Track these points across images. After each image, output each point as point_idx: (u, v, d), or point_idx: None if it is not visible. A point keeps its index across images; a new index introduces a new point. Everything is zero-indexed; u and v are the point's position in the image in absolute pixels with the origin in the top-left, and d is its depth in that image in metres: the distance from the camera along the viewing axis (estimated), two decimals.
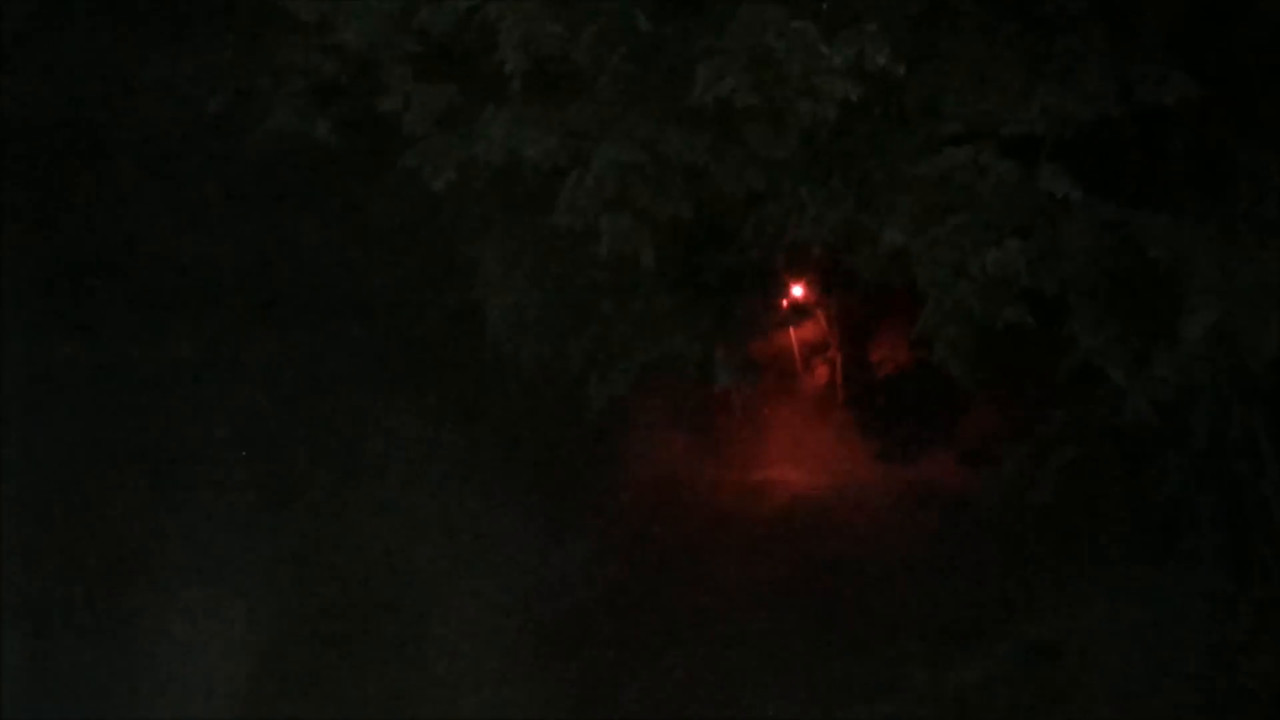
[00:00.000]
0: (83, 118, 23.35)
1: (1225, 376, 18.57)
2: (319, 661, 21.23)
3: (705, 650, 21.70)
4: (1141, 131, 18.58)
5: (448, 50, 17.55)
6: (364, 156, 19.25)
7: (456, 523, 22.38)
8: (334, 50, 18.03)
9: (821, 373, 24.40)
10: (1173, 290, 17.49)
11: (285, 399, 22.87)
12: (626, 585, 22.56)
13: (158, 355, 22.78)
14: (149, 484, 22.49)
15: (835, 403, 24.55)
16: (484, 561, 22.10)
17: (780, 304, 21.80)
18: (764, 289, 20.56)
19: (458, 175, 17.55)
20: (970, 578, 22.15)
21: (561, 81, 17.09)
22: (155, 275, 23.11)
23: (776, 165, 17.31)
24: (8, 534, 21.61)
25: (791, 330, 23.31)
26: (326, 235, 22.59)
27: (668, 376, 21.62)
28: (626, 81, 16.95)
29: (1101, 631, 20.15)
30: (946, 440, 23.50)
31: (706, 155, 17.07)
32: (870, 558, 22.82)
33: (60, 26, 23.13)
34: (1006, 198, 17.39)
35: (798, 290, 22.60)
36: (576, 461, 23.45)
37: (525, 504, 22.69)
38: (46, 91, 23.18)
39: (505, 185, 18.36)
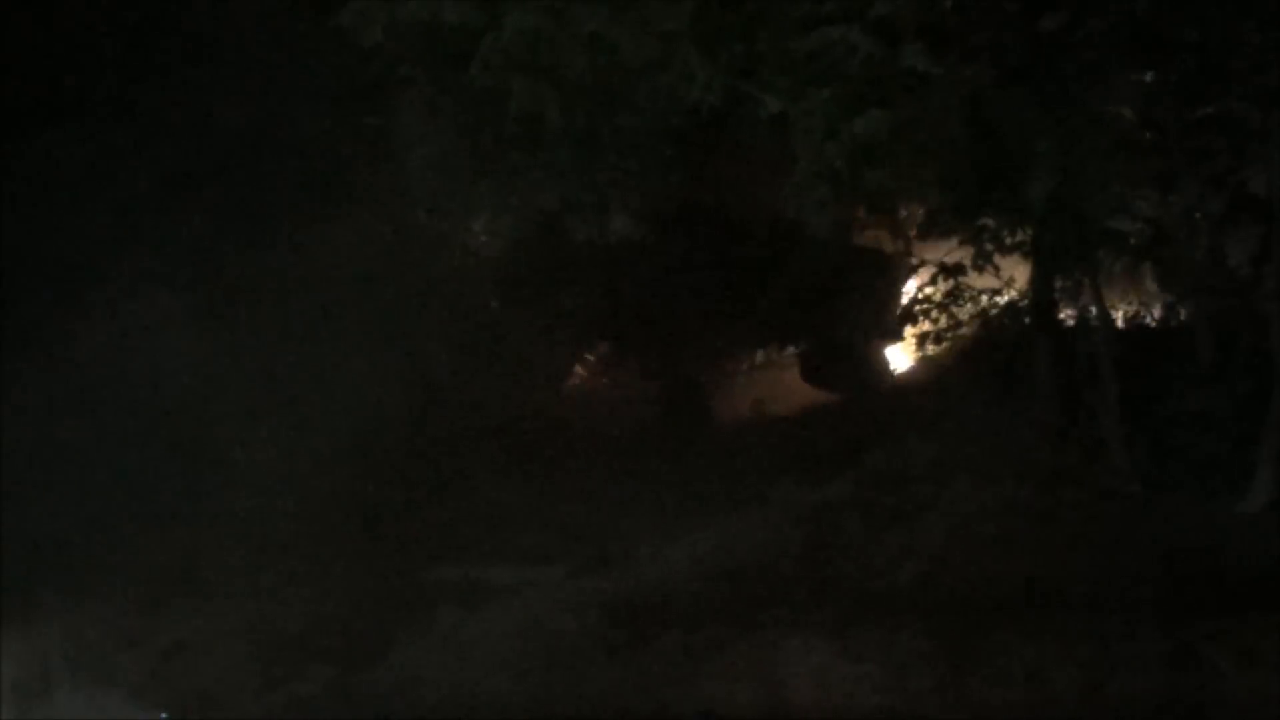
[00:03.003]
0: None
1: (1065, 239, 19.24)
2: None
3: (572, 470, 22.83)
4: (998, 14, 19.12)
5: None
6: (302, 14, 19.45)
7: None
8: None
9: None
10: (1018, 159, 18.16)
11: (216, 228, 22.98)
12: None
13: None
14: None
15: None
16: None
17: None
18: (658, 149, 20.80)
19: (385, 34, 17.97)
20: (826, 412, 23.00)
21: None
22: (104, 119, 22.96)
23: (670, 36, 17.70)
24: None
25: None
26: (265, 86, 22.70)
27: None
28: None
29: (944, 461, 20.87)
30: None
31: (607, 24, 17.47)
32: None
33: None
34: (872, 72, 17.90)
35: None
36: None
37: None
38: None
39: (428, 45, 18.64)
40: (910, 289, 22.80)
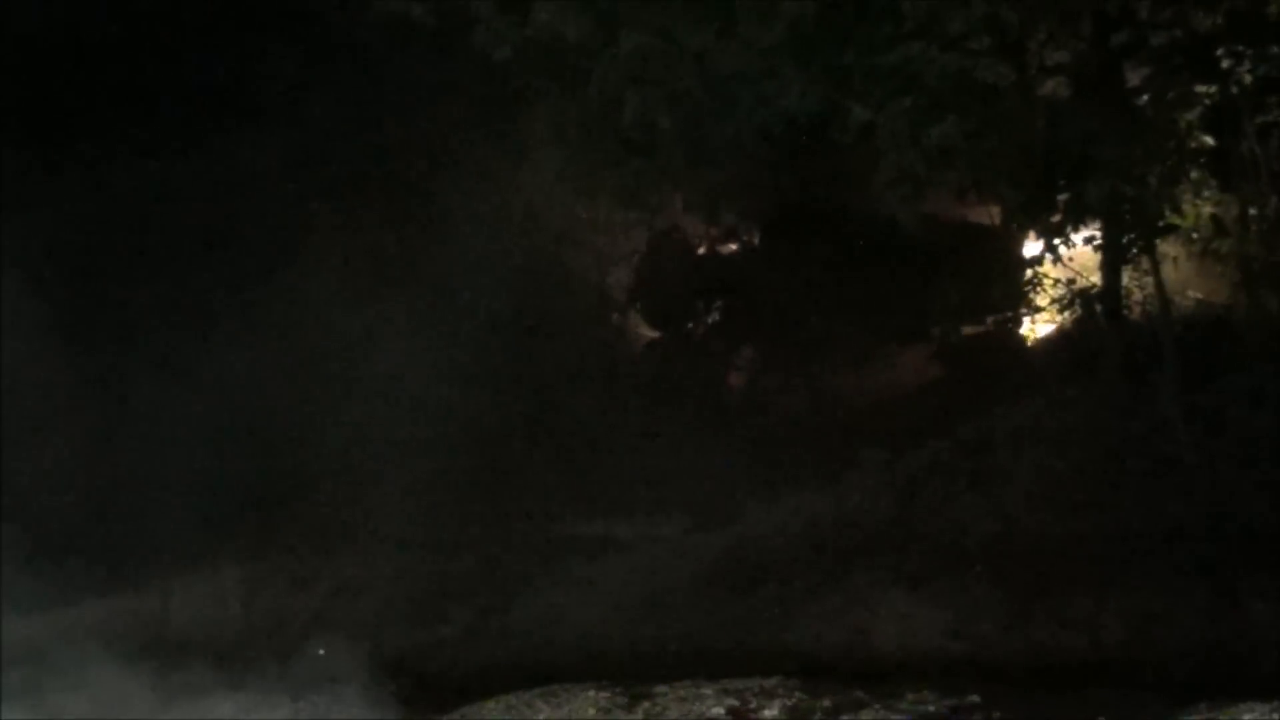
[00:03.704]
0: None
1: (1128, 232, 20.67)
2: None
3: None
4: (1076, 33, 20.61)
5: None
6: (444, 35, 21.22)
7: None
8: None
9: None
10: (1080, 161, 19.57)
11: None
12: None
13: None
14: None
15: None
16: None
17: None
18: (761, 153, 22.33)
19: (514, 51, 19.72)
20: (916, 387, 24.44)
21: None
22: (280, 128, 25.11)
23: (768, 52, 19.28)
24: None
25: None
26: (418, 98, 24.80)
27: None
28: None
29: (1023, 431, 22.10)
30: None
31: (711, 42, 19.12)
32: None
33: None
34: (949, 84, 19.37)
35: None
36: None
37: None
38: None
39: (555, 61, 20.41)
40: None
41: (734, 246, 26.66)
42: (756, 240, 26.41)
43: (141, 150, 24.56)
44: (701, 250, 26.78)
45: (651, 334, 27.43)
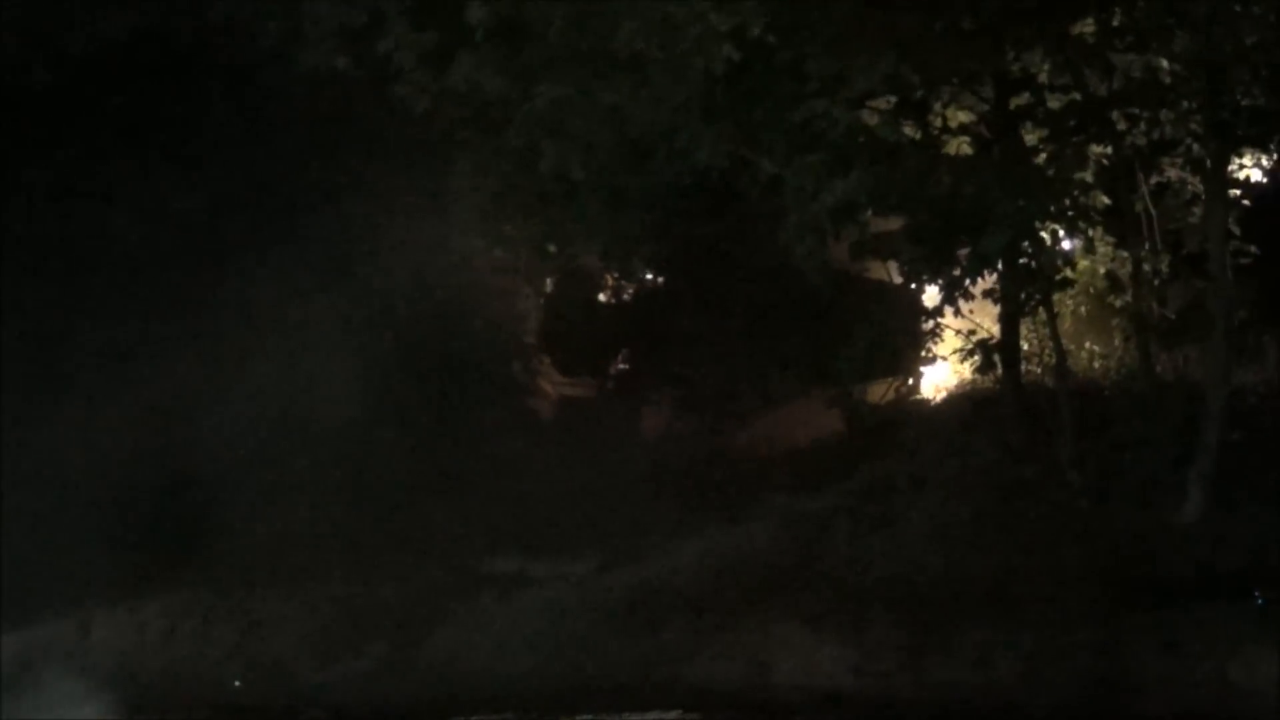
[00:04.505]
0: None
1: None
2: None
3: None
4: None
5: (434, 6, 19.74)
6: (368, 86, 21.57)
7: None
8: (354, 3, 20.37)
9: None
10: (979, 216, 19.87)
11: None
12: None
13: None
14: None
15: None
16: None
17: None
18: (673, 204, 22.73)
19: (434, 103, 20.03)
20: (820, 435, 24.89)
21: (516, 33, 19.38)
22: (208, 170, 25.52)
23: (679, 107, 19.60)
24: None
25: None
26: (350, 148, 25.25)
27: None
28: (565, 35, 19.21)
29: (922, 476, 22.62)
30: None
31: (625, 96, 19.45)
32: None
33: None
34: (853, 140, 19.81)
35: None
36: None
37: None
38: None
39: (474, 112, 20.75)
40: None
41: (640, 293, 27.12)
42: (662, 286, 26.85)
43: (69, 190, 24.84)
44: (604, 296, 27.25)
45: (563, 379, 27.83)
